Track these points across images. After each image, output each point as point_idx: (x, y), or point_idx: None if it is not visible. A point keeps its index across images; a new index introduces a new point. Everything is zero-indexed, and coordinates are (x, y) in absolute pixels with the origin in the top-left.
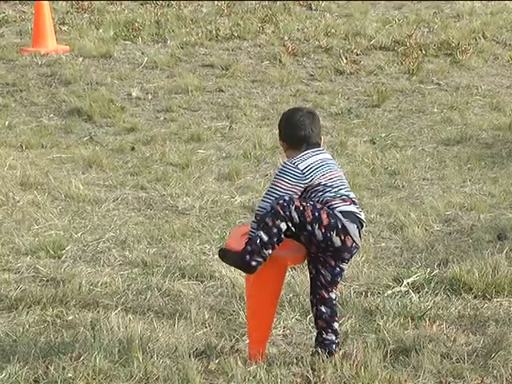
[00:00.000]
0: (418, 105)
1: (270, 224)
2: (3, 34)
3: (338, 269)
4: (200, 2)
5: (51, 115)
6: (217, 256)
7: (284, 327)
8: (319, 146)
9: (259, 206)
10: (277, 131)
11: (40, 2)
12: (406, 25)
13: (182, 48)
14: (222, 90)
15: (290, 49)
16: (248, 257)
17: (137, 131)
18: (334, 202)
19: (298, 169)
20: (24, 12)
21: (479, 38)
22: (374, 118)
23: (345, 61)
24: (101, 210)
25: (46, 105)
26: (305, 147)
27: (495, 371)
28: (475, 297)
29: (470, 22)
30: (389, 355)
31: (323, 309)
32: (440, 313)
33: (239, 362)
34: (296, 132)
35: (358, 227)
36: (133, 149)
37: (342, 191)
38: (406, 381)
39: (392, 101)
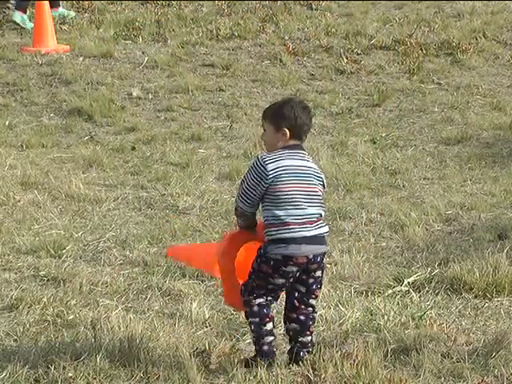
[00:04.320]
0: (418, 104)
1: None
2: (4, 34)
3: (311, 280)
4: (200, 2)
5: (52, 115)
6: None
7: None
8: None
9: (237, 205)
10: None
11: (40, 2)
12: (407, 24)
13: (182, 47)
14: (223, 90)
15: (290, 48)
16: None
17: (137, 131)
18: (273, 230)
19: (266, 169)
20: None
21: (480, 37)
22: (375, 118)
23: (345, 60)
24: (101, 209)
25: (47, 104)
26: (297, 141)
27: (496, 371)
28: (476, 296)
29: (471, 22)
30: (389, 355)
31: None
32: (440, 312)
33: (240, 362)
34: (299, 121)
35: (305, 243)
36: (133, 148)
37: (295, 211)
38: (406, 380)
39: (392, 100)
